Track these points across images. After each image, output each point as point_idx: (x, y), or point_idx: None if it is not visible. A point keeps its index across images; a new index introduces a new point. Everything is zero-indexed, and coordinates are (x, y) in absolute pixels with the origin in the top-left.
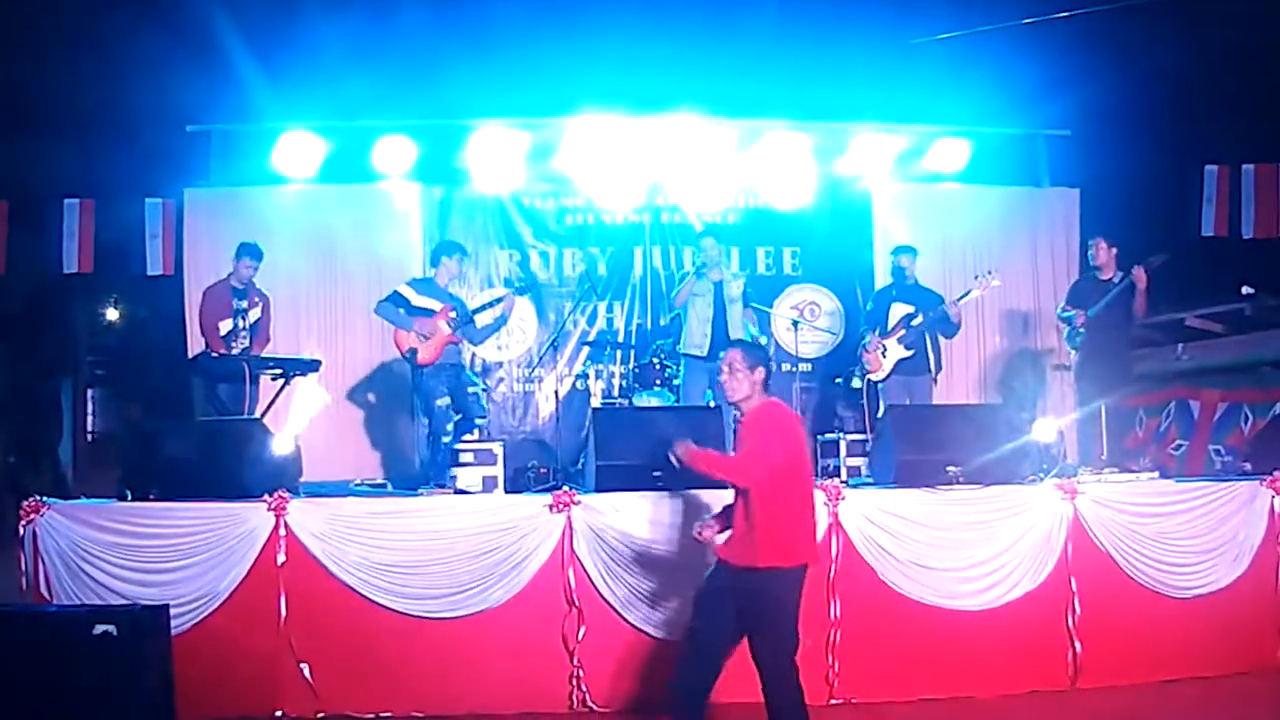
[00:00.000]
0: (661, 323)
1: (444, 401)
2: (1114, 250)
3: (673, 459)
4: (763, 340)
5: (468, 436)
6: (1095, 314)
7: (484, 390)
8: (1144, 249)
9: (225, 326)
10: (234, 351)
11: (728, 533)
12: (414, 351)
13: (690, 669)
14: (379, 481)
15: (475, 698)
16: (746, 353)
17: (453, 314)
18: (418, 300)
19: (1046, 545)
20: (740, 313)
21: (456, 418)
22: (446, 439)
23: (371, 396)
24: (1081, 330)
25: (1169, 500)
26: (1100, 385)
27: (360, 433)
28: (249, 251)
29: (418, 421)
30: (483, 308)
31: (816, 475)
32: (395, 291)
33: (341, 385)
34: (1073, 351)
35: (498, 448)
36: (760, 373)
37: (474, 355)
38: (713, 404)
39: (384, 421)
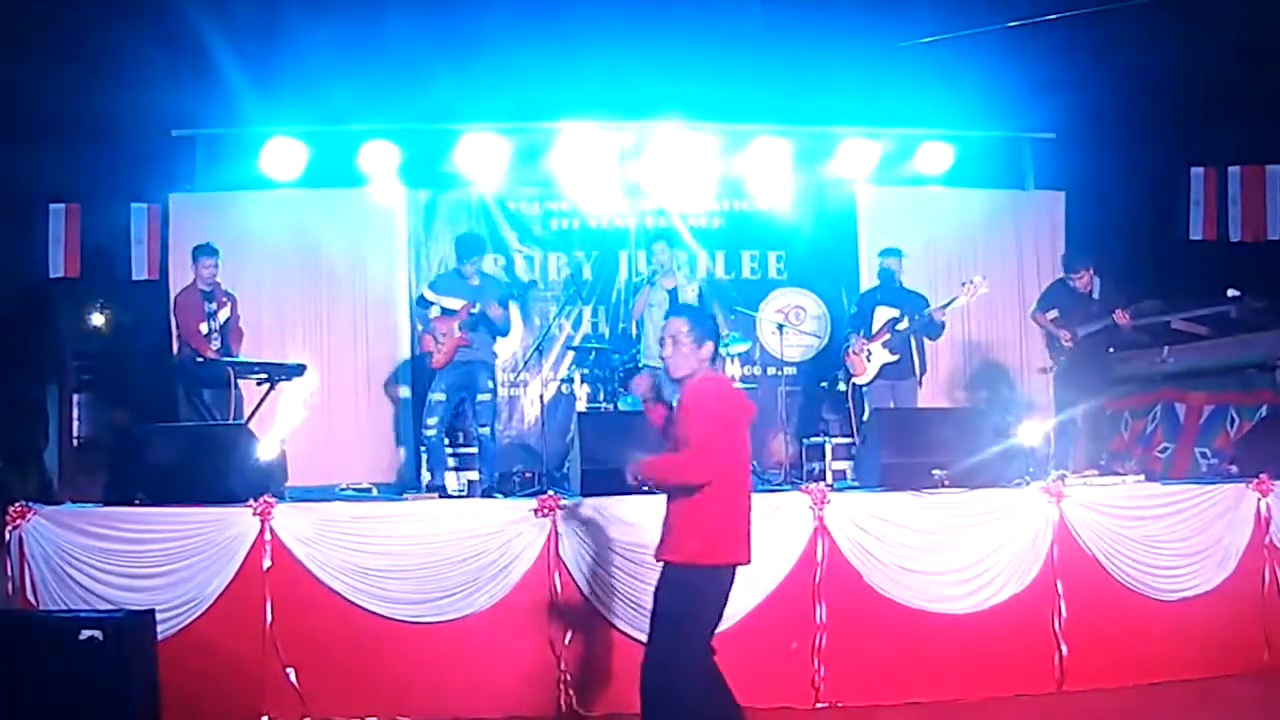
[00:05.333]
0: (633, 333)
1: (438, 397)
2: (1093, 271)
3: (631, 480)
4: (725, 333)
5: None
6: (1082, 335)
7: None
8: (1130, 252)
9: (203, 330)
10: (214, 354)
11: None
12: (428, 355)
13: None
14: (364, 486)
15: (461, 702)
16: (693, 323)
17: (474, 311)
18: (440, 300)
19: (1032, 548)
20: None
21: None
22: (431, 433)
23: (357, 401)
24: (1066, 346)
25: (1155, 503)
26: (1082, 392)
27: (346, 437)
28: (205, 251)
29: (405, 421)
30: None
31: (800, 478)
32: (419, 294)
33: (327, 389)
34: (1053, 363)
35: None
36: (708, 348)
37: None
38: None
39: (370, 426)
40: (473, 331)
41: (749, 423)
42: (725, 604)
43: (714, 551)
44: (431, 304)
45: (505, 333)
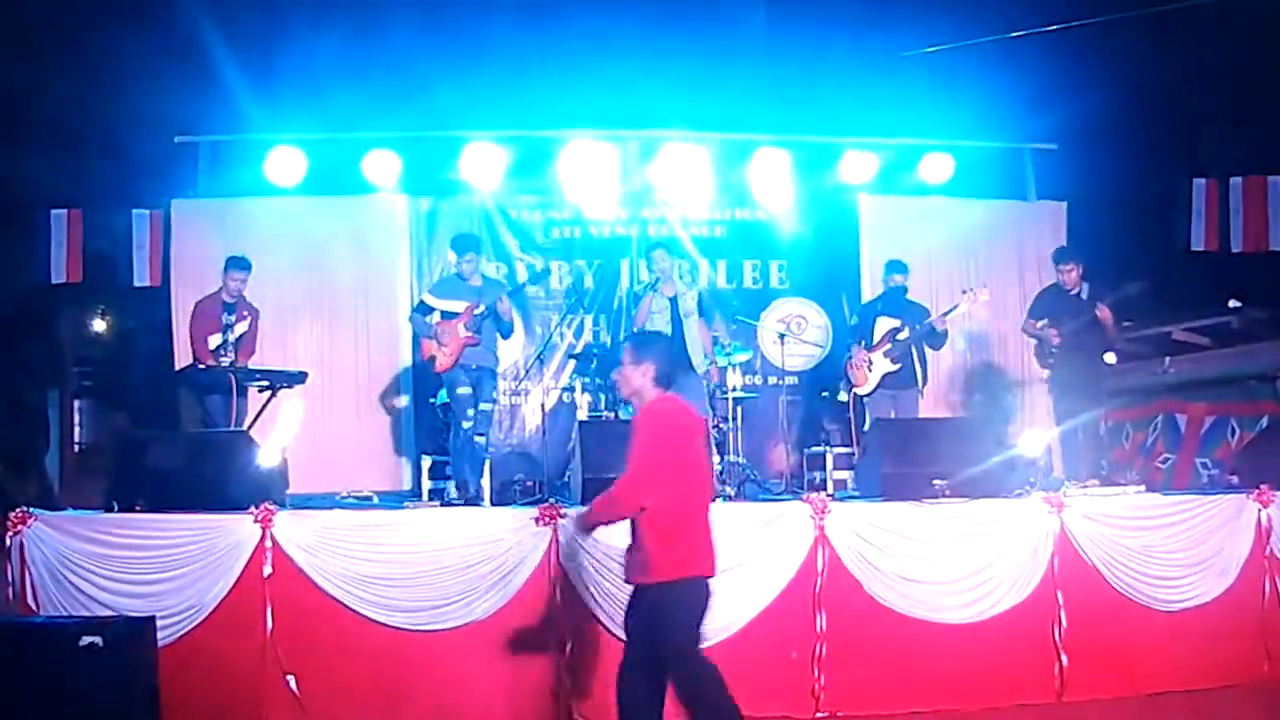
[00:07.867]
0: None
1: (464, 390)
2: (1081, 268)
3: (582, 534)
4: (728, 343)
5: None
6: (1068, 333)
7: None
8: (1131, 263)
9: (214, 341)
10: (221, 364)
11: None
12: (433, 359)
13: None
14: (366, 494)
15: (460, 710)
16: (635, 347)
17: (477, 311)
18: (442, 304)
19: (1033, 559)
20: (697, 325)
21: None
22: (468, 424)
23: (359, 408)
24: (1055, 348)
25: (1156, 514)
26: (1076, 401)
27: (347, 445)
28: (237, 264)
29: (406, 429)
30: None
31: (801, 488)
32: (420, 300)
33: (329, 397)
34: (1045, 370)
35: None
36: (648, 368)
37: None
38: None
39: (371, 434)
40: (478, 332)
41: (702, 437)
42: (703, 617)
43: (680, 566)
44: (433, 309)
45: (510, 332)
